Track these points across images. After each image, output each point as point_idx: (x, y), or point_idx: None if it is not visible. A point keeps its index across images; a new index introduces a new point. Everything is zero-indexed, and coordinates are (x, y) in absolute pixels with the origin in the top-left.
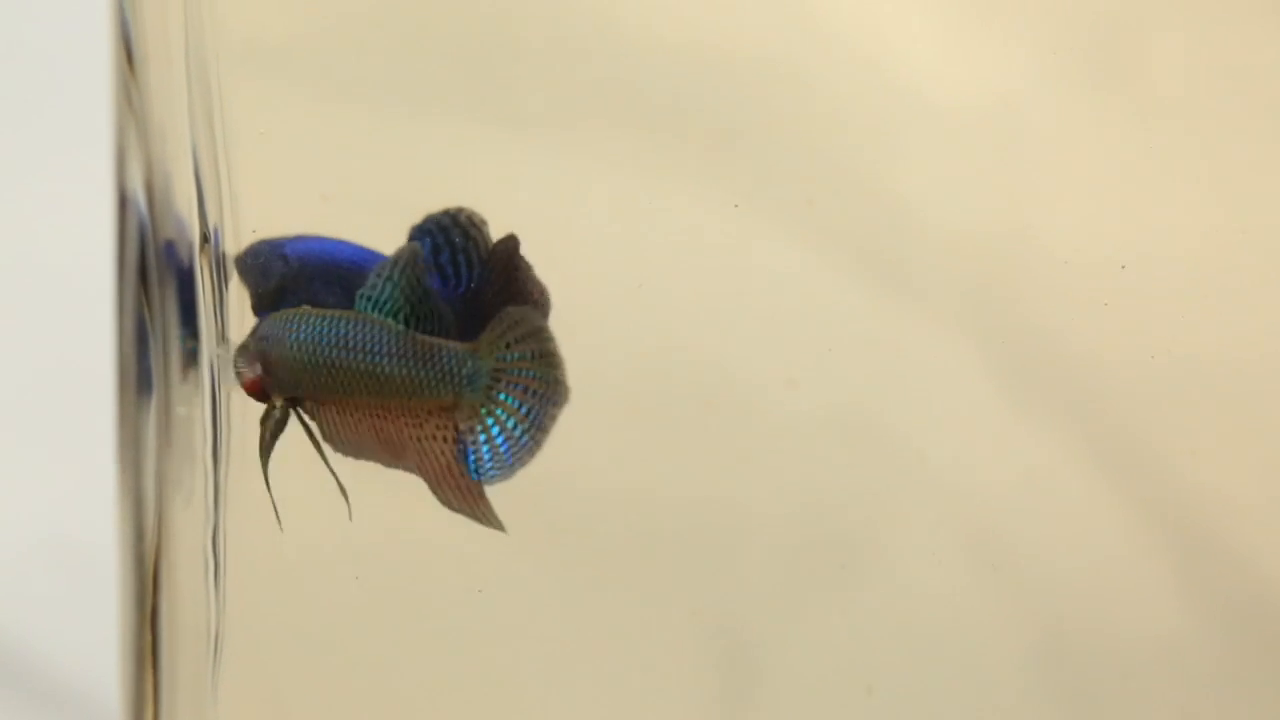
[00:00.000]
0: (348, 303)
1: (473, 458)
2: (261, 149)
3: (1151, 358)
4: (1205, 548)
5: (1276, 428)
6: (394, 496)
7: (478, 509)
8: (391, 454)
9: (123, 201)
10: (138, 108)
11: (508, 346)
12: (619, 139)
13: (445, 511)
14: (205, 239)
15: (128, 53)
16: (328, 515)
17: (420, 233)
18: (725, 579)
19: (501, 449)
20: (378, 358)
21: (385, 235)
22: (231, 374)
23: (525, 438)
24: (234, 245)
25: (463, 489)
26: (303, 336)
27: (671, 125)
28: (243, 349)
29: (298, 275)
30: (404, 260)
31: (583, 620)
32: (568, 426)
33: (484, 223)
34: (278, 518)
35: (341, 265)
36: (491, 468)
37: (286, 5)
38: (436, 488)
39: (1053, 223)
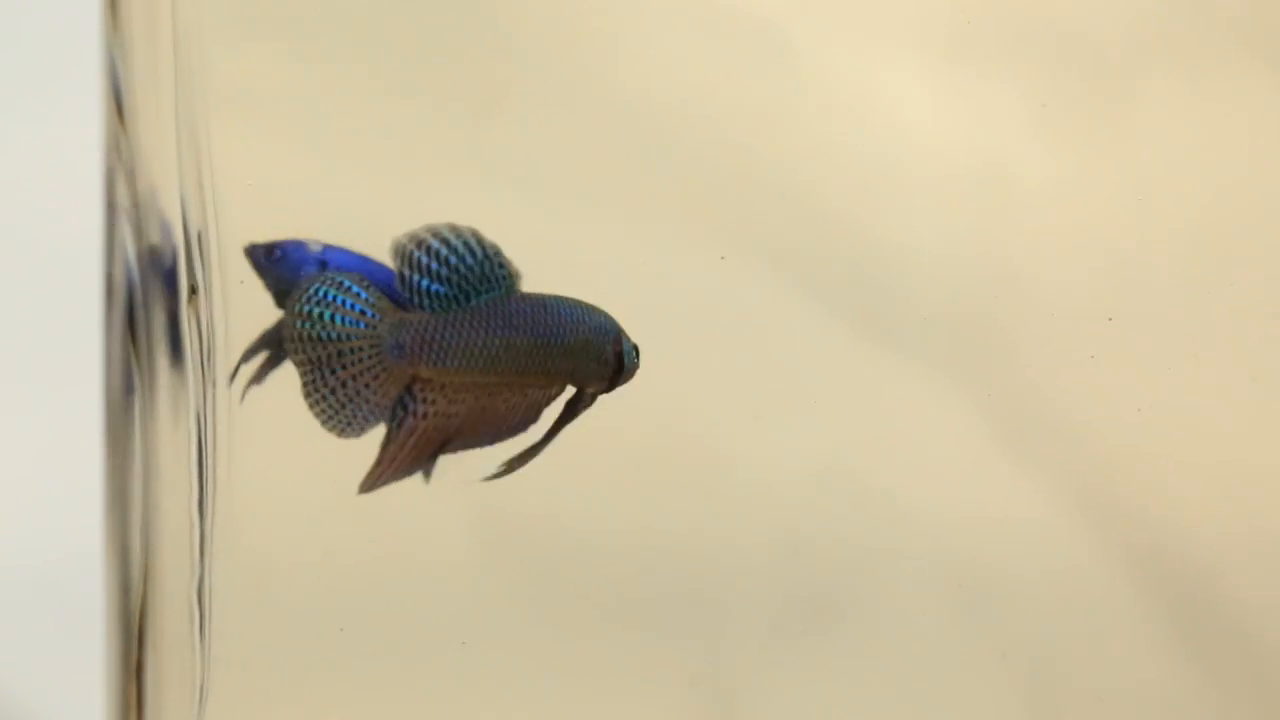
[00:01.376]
0: None
1: None
2: (250, 199)
3: (1138, 410)
4: (1190, 597)
5: (1258, 480)
6: (379, 550)
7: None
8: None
9: (111, 253)
10: (126, 158)
11: None
12: (607, 186)
13: (429, 564)
14: (193, 290)
15: (118, 104)
16: (312, 568)
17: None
18: (709, 629)
19: None
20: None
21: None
22: (214, 424)
23: None
24: (221, 299)
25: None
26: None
27: (659, 174)
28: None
29: None
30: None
31: (566, 671)
32: (550, 479)
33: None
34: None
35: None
36: None
37: (275, 53)
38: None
39: (1039, 274)
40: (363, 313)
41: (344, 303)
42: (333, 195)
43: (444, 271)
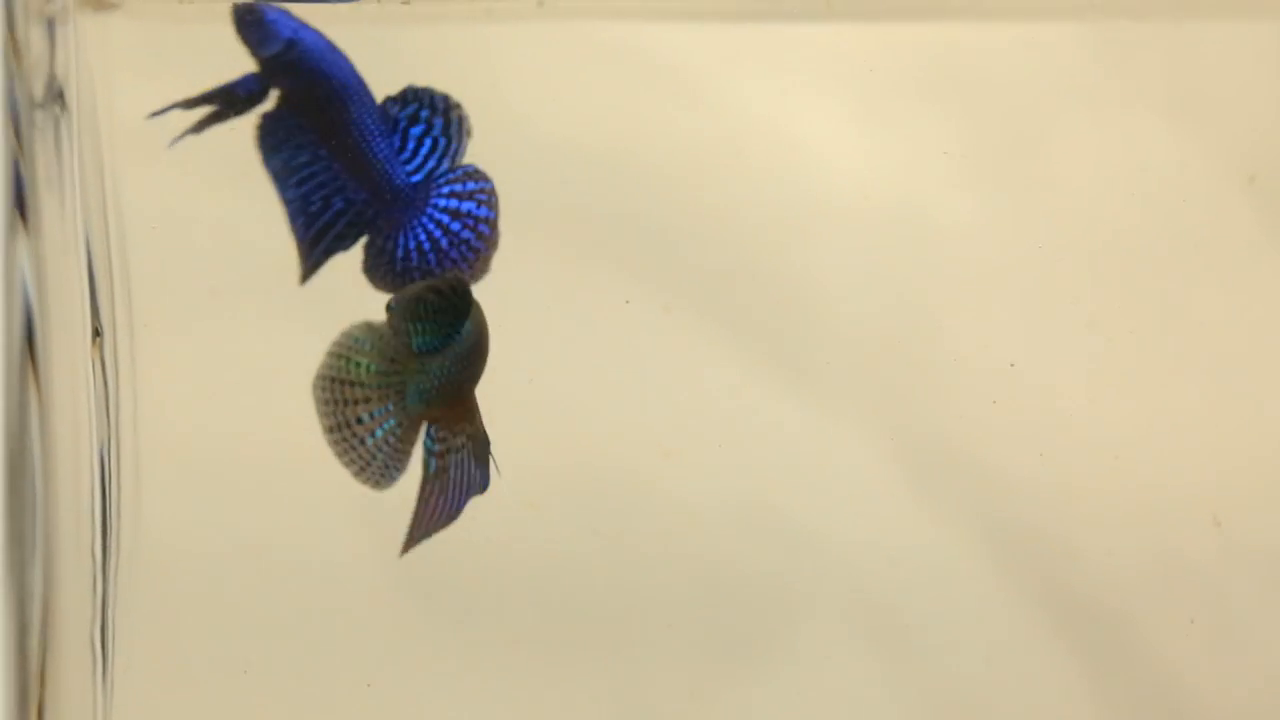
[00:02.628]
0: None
1: None
2: (154, 241)
3: (1039, 455)
4: (1096, 629)
5: (1158, 517)
6: (282, 591)
7: None
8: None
9: (10, 297)
10: (27, 189)
11: None
12: (523, 228)
13: (334, 605)
14: (97, 333)
15: (16, 132)
16: (215, 609)
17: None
18: (627, 664)
19: None
20: None
21: (288, 322)
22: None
23: None
24: (128, 339)
25: None
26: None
27: (576, 217)
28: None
29: (291, 65)
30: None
31: (477, 713)
32: (468, 518)
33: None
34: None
35: (332, 80)
36: None
37: (182, 92)
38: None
39: (947, 318)
40: (393, 360)
41: (373, 348)
42: (242, 238)
43: (441, 320)
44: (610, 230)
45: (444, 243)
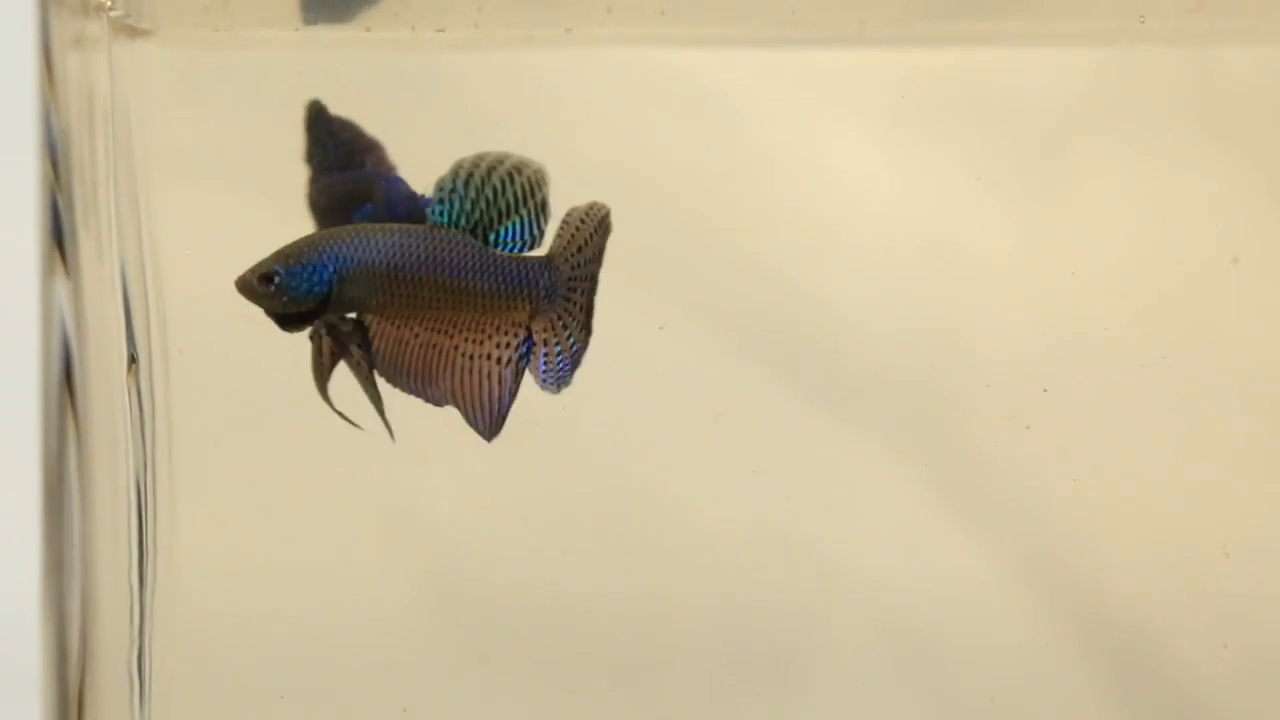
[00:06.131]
0: None
1: (545, 367)
2: (189, 267)
3: (1072, 481)
4: (1129, 661)
5: (1192, 547)
6: (320, 617)
7: (493, 428)
8: (430, 377)
9: (49, 324)
10: (65, 223)
11: (579, 251)
12: None
13: (370, 630)
14: (133, 359)
15: (54, 168)
16: (252, 636)
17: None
18: (655, 692)
19: (570, 355)
20: (461, 272)
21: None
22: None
23: (580, 344)
24: (163, 365)
25: (491, 410)
26: (384, 250)
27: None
28: (302, 263)
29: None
30: (465, 170)
31: None
32: (497, 543)
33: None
34: (382, 417)
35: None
36: (562, 375)
37: (216, 118)
38: (467, 404)
39: (978, 344)
40: None
41: None
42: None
43: None
44: (640, 255)
45: None
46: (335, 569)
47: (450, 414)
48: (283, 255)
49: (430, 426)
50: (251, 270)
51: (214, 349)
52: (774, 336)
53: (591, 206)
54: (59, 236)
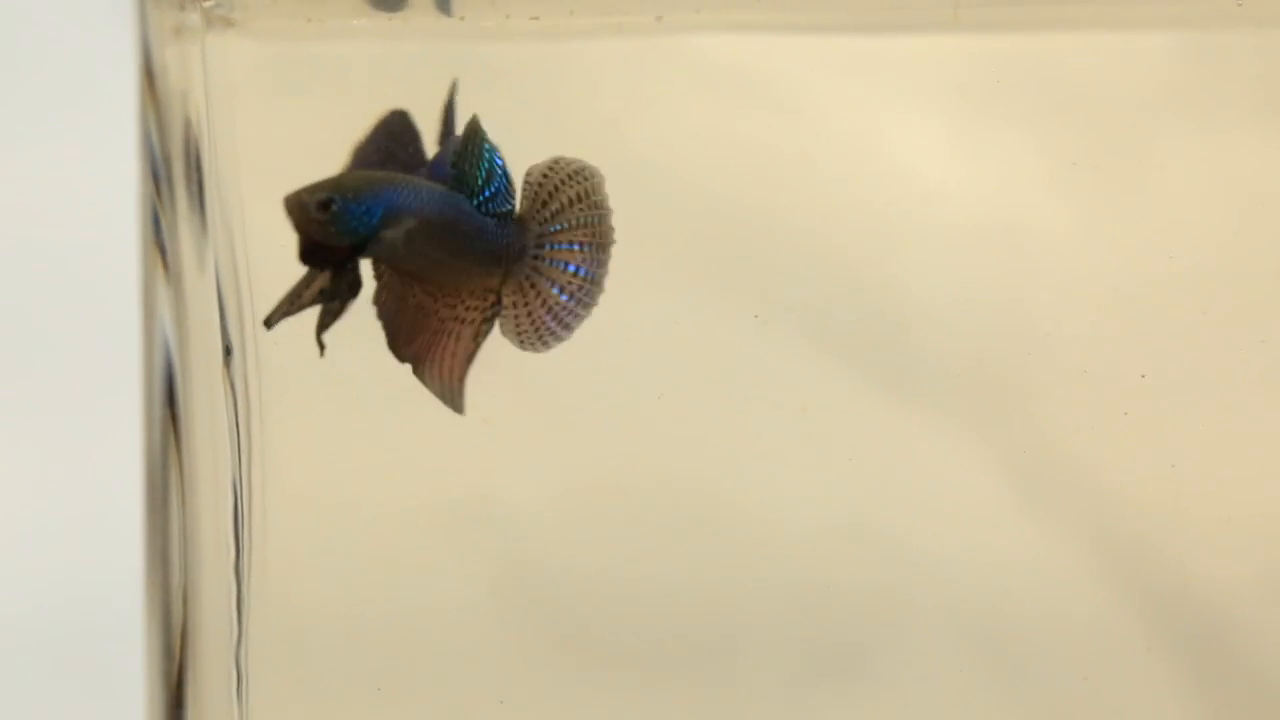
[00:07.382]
0: None
1: (519, 328)
2: (284, 259)
3: (1171, 466)
4: (1222, 655)
5: None
6: (415, 609)
7: (454, 394)
8: (409, 340)
9: (150, 317)
10: (165, 222)
11: (544, 206)
12: (635, 249)
13: (464, 623)
14: (228, 351)
15: (153, 170)
16: (349, 629)
17: None
18: (733, 679)
19: (547, 317)
20: (465, 237)
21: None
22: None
23: (573, 300)
24: (255, 358)
25: (450, 372)
26: (427, 205)
27: (687, 235)
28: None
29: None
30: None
31: None
32: (576, 533)
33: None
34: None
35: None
36: (545, 333)
37: (307, 115)
38: (430, 363)
39: (1063, 330)
40: None
41: None
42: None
43: None
44: (716, 245)
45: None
46: (429, 559)
47: (533, 400)
48: (340, 186)
49: (514, 413)
50: (310, 191)
51: (307, 340)
52: (851, 324)
53: (555, 161)
54: (158, 233)
